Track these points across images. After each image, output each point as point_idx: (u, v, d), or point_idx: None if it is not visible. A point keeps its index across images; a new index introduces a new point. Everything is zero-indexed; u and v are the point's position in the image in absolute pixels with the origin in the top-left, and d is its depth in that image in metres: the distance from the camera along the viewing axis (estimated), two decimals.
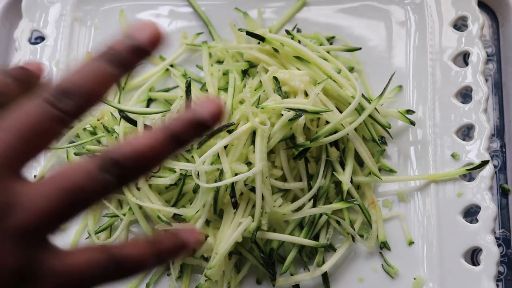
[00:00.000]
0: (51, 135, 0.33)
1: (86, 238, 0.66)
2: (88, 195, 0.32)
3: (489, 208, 0.61)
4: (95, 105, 0.33)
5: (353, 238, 0.63)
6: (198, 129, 0.34)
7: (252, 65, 0.67)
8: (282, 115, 0.59)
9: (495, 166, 0.68)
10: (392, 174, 0.66)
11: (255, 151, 0.59)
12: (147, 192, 0.62)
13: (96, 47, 0.73)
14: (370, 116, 0.63)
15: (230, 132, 0.60)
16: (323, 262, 0.62)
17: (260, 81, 0.63)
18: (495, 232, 0.63)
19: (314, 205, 0.62)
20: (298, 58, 0.64)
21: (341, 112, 0.62)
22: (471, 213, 0.64)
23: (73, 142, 0.67)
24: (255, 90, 0.64)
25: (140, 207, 0.63)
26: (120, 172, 0.32)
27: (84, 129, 0.67)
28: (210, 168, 0.59)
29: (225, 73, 0.68)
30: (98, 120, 0.66)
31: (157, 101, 0.70)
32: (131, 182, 0.33)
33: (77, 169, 0.32)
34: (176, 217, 0.62)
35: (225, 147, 0.60)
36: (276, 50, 0.65)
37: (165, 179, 0.61)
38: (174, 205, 0.62)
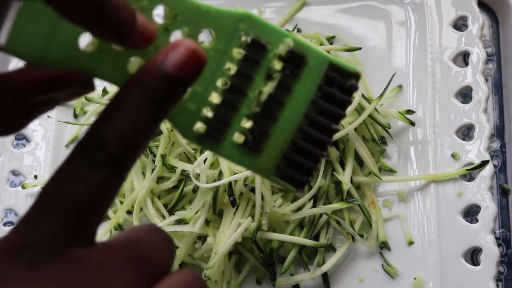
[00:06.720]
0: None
1: None
2: (92, 204, 0.26)
3: (489, 208, 0.61)
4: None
5: (353, 238, 0.63)
6: (171, 87, 0.26)
7: None
8: None
9: (495, 166, 0.68)
10: (392, 174, 0.66)
11: None
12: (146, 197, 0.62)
13: None
14: (370, 116, 0.63)
15: None
16: (323, 262, 0.62)
17: None
18: (495, 232, 0.63)
19: (314, 205, 0.62)
20: None
21: None
22: (471, 213, 0.64)
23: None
24: None
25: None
26: (118, 169, 0.26)
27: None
28: (210, 172, 0.59)
29: None
30: None
31: None
32: (127, 172, 0.27)
33: (77, 181, 0.25)
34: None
35: None
36: None
37: (167, 182, 0.61)
38: (174, 206, 0.62)
